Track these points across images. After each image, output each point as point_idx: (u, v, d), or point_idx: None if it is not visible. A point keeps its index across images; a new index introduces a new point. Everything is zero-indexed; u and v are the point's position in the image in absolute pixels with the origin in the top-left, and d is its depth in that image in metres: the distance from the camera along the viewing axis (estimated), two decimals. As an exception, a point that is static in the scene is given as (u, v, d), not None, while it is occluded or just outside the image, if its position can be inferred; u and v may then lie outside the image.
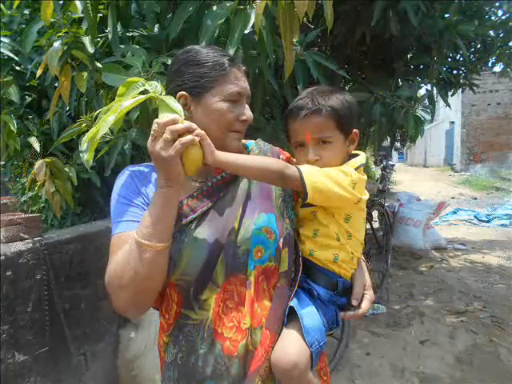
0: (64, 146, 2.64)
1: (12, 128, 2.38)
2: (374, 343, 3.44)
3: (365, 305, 1.11)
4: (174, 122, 0.85)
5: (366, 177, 1.10)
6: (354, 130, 1.13)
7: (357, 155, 1.15)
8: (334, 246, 1.07)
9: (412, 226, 5.56)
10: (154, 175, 1.03)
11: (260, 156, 1.06)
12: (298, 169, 0.99)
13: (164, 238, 0.90)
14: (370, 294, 1.14)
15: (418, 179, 15.30)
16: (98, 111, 0.92)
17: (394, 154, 19.91)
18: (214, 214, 1.01)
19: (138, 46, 1.66)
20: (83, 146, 0.90)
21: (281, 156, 1.20)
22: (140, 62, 1.53)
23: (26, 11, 2.60)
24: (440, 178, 15.61)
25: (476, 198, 11.06)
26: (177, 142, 0.84)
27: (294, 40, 1.27)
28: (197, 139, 0.87)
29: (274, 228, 1.03)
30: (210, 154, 0.89)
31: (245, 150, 1.17)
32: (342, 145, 1.10)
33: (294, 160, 1.23)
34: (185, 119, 0.88)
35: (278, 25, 1.29)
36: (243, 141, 1.16)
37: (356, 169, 1.09)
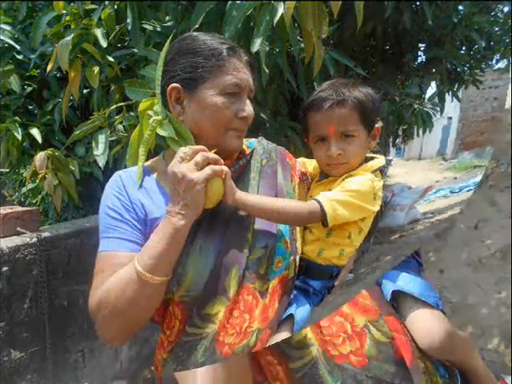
0: (65, 137, 2.57)
1: (17, 136, 2.30)
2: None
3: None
4: (204, 150, 0.84)
5: (382, 182, 1.06)
6: (377, 126, 1.09)
7: (373, 158, 1.10)
8: (344, 243, 1.05)
9: (399, 210, 6.00)
10: (147, 179, 0.97)
11: (282, 199, 0.98)
12: (323, 211, 0.94)
13: (168, 272, 0.84)
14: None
15: (411, 171, 15.76)
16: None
17: (392, 150, 19.98)
18: (220, 221, 0.94)
19: (155, 50, 1.60)
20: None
21: (287, 160, 1.14)
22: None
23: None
24: (432, 168, 16.08)
25: (456, 178, 11.61)
26: (207, 168, 0.82)
27: (324, 36, 1.23)
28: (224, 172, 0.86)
29: (288, 237, 1.00)
30: (230, 194, 0.88)
31: (247, 149, 1.10)
32: (364, 140, 1.06)
33: (298, 160, 1.19)
34: (177, 115, 0.88)
35: (297, 21, 1.26)
36: (244, 140, 1.08)
37: (373, 171, 1.05)
